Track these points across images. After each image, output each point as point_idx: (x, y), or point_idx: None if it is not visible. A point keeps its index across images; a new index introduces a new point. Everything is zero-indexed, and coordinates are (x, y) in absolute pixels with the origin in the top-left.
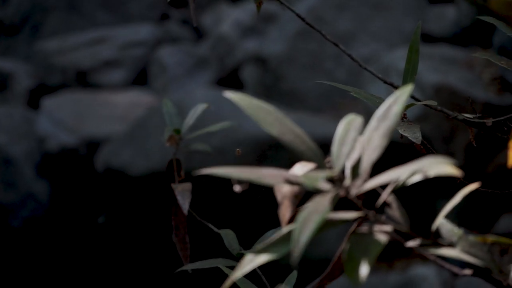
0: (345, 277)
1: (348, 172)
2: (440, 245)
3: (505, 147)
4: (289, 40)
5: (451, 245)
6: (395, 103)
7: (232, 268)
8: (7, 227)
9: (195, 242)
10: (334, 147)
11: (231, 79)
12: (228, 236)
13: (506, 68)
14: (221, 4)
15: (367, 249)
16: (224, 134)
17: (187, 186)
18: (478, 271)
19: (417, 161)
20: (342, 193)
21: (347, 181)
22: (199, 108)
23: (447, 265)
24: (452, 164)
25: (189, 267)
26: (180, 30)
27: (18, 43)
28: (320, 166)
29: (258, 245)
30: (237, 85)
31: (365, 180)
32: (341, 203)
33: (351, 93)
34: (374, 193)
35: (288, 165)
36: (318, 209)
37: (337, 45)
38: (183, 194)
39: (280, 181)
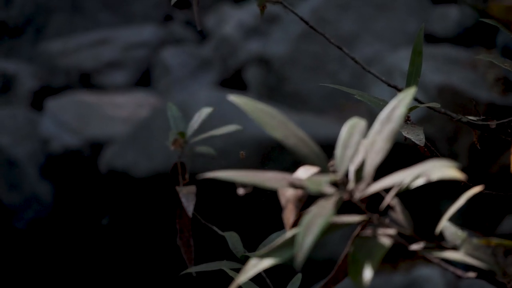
0: (350, 280)
1: (351, 175)
2: (444, 248)
3: (509, 149)
4: (292, 42)
5: (455, 248)
6: (398, 106)
7: (237, 270)
8: (11, 229)
9: (200, 245)
10: (338, 151)
11: (234, 80)
12: (233, 239)
13: (510, 70)
14: (224, 5)
15: (371, 252)
16: (227, 136)
17: (192, 189)
18: (482, 274)
19: (420, 165)
20: (345, 196)
21: (351, 185)
22: (204, 112)
23: (451, 268)
24: (455, 167)
25: (193, 269)
26: (184, 31)
27: (22, 45)
28: (324, 169)
29: (262, 249)
30: (240, 86)
31: (369, 184)
32: (345, 206)
33: (355, 96)
34: (378, 196)
35: (291, 167)
36: (322, 212)
37: (340, 48)
38: (187, 197)
39: (283, 185)
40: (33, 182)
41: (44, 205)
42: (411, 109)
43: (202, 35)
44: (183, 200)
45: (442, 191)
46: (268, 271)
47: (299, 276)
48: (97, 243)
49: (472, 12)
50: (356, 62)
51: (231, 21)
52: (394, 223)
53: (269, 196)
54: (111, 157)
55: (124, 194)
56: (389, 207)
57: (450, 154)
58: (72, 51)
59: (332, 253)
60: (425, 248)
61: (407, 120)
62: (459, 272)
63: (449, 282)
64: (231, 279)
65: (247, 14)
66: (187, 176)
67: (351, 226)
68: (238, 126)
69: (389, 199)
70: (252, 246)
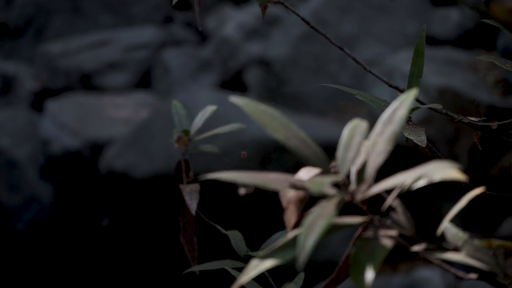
0: (351, 281)
1: (353, 177)
2: (445, 249)
3: (509, 150)
4: (293, 43)
5: (456, 249)
6: (400, 107)
7: (239, 269)
8: (11, 230)
9: (203, 244)
10: (340, 152)
11: (234, 82)
12: (236, 238)
13: (511, 71)
14: (224, 6)
15: (372, 253)
16: (228, 136)
17: (196, 187)
18: (483, 275)
19: (422, 166)
20: (347, 198)
21: (353, 186)
22: (208, 110)
23: (453, 269)
24: (457, 168)
25: (196, 268)
26: (184, 33)
27: (22, 46)
28: (326, 171)
29: (264, 250)
30: (241, 87)
31: (370, 185)
32: (346, 207)
33: (356, 96)
34: (380, 197)
35: (293, 167)
36: (323, 214)
37: (342, 49)
38: (191, 195)
39: (285, 186)
40: (33, 183)
41: (44, 206)
42: (412, 110)
43: (203, 37)
44: (187, 198)
45: (443, 192)
46: (271, 270)
47: (301, 275)
48: (97, 244)
49: (472, 14)
50: (357, 62)
51: (231, 23)
52: (395, 224)
53: (272, 196)
54: (111, 158)
55: (124, 195)
56: (391, 209)
57: (450, 156)
58: (72, 53)
59: (333, 255)
60: (426, 249)
61: (409, 121)
62: (460, 273)
63: (449, 284)
64: (234, 278)
65: (248, 15)
66: (191, 174)
67: (352, 227)
68: (241, 125)
69: (390, 200)
70: (255, 245)
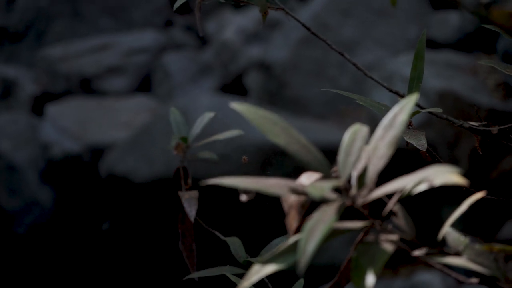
0: (352, 285)
1: (354, 181)
2: (446, 253)
3: (509, 154)
4: (293, 47)
5: (457, 253)
6: (401, 112)
7: (239, 275)
8: (12, 234)
9: (202, 250)
10: (340, 157)
11: (235, 86)
12: (235, 244)
13: (511, 75)
14: (224, 10)
15: (373, 258)
16: (228, 141)
17: (194, 193)
18: (484, 280)
19: (422, 170)
20: (348, 202)
21: (353, 191)
22: (206, 117)
23: (454, 274)
24: (457, 172)
25: (195, 275)
26: (184, 37)
27: (22, 50)
28: (326, 175)
29: (265, 255)
30: (241, 91)
31: (371, 190)
32: (347, 212)
33: (356, 101)
34: (380, 201)
35: (293, 172)
36: (324, 218)
37: (342, 54)
38: (190, 202)
39: (286, 191)
40: (33, 187)
41: (44, 210)
42: (413, 114)
43: (203, 41)
44: (186, 205)
45: (443, 197)
46: (270, 276)
47: (301, 281)
48: (98, 248)
49: (472, 18)
50: (357, 68)
51: (231, 27)
52: (396, 229)
53: (272, 201)
54: (111, 162)
55: (124, 199)
56: (392, 213)
57: (450, 160)
58: (72, 57)
59: (333, 259)
60: (427, 253)
61: (409, 125)
62: (461, 277)
63: None
64: (233, 284)
65: (248, 19)
66: (189, 181)
67: (353, 231)
68: (239, 131)
69: (391, 205)
70: (254, 251)
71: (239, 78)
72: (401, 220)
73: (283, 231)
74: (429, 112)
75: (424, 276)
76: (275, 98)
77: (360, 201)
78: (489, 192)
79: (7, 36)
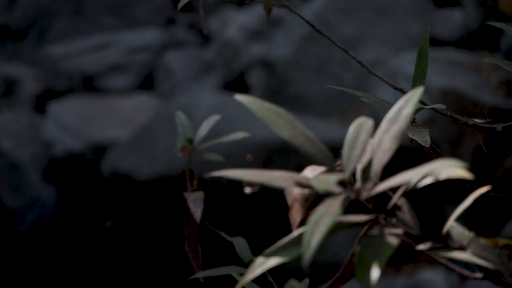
0: (355, 281)
1: (358, 175)
2: (450, 248)
3: None
4: (295, 44)
5: (462, 248)
6: (405, 106)
7: None
8: (14, 232)
9: (207, 250)
10: (345, 150)
11: (237, 84)
12: (240, 244)
13: None
14: (227, 8)
15: (377, 252)
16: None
17: (200, 194)
18: (488, 275)
19: (428, 164)
20: (352, 196)
21: (358, 184)
22: (212, 119)
23: (458, 268)
24: (463, 167)
25: (201, 274)
26: (187, 35)
27: (25, 48)
28: (331, 169)
29: (269, 248)
30: (244, 89)
31: (376, 183)
32: (352, 206)
33: (360, 98)
34: (385, 195)
35: (295, 169)
36: (329, 212)
37: (346, 51)
38: (195, 203)
39: (291, 183)
40: (36, 185)
41: (47, 208)
42: (417, 110)
43: (205, 39)
44: (191, 206)
45: (447, 194)
46: (273, 275)
47: (306, 281)
48: (100, 246)
49: (475, 15)
50: (362, 65)
51: (234, 24)
52: (401, 223)
53: (278, 200)
54: (114, 161)
55: (127, 197)
56: (396, 207)
57: (453, 157)
58: (75, 55)
59: (336, 256)
60: (432, 248)
61: (413, 122)
62: (466, 272)
63: (452, 285)
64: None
65: (250, 17)
66: (195, 182)
67: (356, 228)
68: (245, 133)
69: (396, 198)
70: (260, 251)
71: (242, 76)
72: (406, 214)
73: (289, 232)
74: (433, 109)
75: (427, 274)
76: (278, 95)
77: (364, 194)
78: (492, 189)
79: (9, 34)
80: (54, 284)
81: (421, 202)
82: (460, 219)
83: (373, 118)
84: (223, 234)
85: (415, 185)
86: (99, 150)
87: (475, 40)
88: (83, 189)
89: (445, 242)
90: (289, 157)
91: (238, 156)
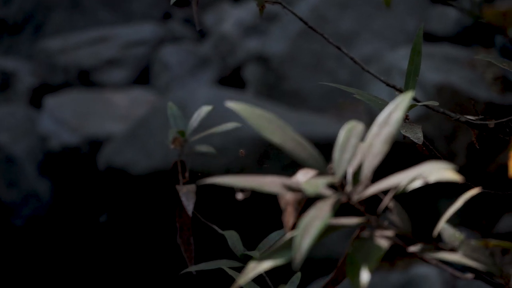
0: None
1: (349, 178)
2: (441, 249)
3: (507, 148)
4: (291, 40)
5: (453, 249)
6: (396, 110)
7: (236, 269)
8: (10, 226)
9: (200, 244)
10: (336, 154)
11: (233, 78)
12: (232, 238)
13: (508, 69)
14: (223, 3)
15: (368, 254)
16: (225, 133)
17: (192, 187)
18: (480, 275)
19: (417, 167)
20: (343, 199)
21: (349, 187)
22: (203, 110)
23: (449, 269)
24: (452, 169)
25: (193, 268)
26: (183, 29)
27: (21, 42)
28: (322, 172)
29: (262, 251)
30: (239, 84)
31: (367, 186)
32: (344, 208)
33: (354, 95)
34: (376, 197)
35: (290, 164)
36: (319, 215)
37: (339, 48)
38: (187, 196)
39: (281, 189)
40: (32, 179)
41: (43, 203)
42: (409, 107)
43: (201, 33)
44: (183, 199)
45: (440, 190)
46: (269, 271)
47: (298, 275)
48: (95, 241)
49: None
50: (355, 62)
51: (230, 19)
52: (392, 224)
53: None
54: (109, 155)
55: (123, 191)
56: (387, 209)
57: (448, 153)
58: (71, 49)
59: (331, 252)
60: (423, 249)
61: (406, 119)
62: (457, 273)
63: (446, 281)
64: (230, 278)
65: (246, 12)
66: (187, 174)
67: (351, 227)
68: (237, 124)
69: (386, 201)
70: (252, 244)
71: (237, 70)
72: (396, 216)
73: (280, 224)
74: (426, 106)
75: (421, 269)
76: (273, 91)
77: (355, 197)
78: (486, 185)
79: (6, 28)
80: (49, 278)
81: (414, 197)
82: (454, 215)
83: (368, 114)
84: (215, 227)
85: (404, 188)
86: (95, 144)
87: (471, 36)
88: (78, 183)
89: (436, 243)
90: (283, 152)
91: (232, 150)
